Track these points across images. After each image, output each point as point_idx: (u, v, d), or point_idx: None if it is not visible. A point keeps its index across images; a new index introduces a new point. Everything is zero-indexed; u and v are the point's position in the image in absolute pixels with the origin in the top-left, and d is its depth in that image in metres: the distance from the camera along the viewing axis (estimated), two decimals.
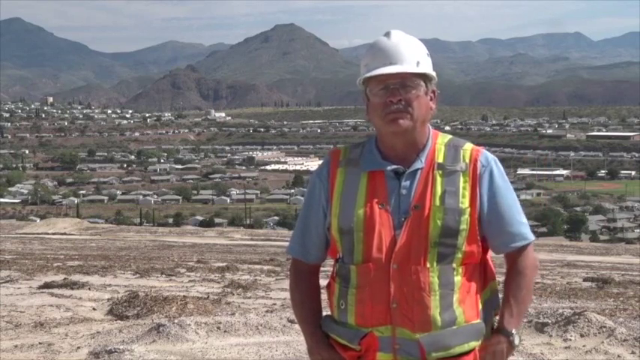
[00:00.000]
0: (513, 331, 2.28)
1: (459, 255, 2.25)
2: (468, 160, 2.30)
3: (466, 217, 2.24)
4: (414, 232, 2.23)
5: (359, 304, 2.28)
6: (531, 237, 2.35)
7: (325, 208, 2.38)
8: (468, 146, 2.34)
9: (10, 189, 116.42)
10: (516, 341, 2.29)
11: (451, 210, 2.23)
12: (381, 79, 2.26)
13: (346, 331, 2.32)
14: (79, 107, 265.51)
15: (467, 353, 2.27)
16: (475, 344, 2.27)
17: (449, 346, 2.23)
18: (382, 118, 2.27)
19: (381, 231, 2.24)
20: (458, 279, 2.25)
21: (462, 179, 2.27)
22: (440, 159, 2.29)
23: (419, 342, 2.22)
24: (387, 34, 2.31)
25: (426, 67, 2.29)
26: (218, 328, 6.49)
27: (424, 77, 2.29)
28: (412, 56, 2.27)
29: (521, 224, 2.33)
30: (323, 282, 2.48)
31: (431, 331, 2.22)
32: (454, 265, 2.25)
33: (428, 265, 2.22)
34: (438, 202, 2.24)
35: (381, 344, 2.26)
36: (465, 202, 2.25)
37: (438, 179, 2.27)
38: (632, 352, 5.75)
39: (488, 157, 2.33)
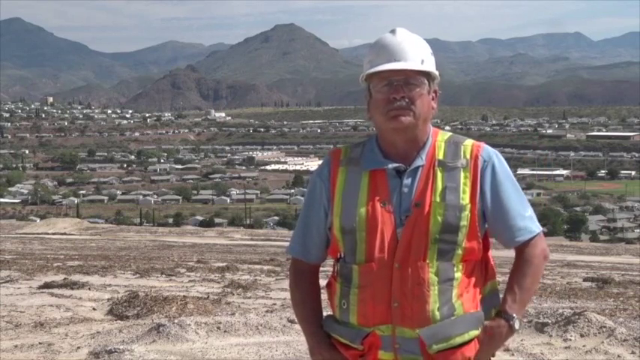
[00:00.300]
0: (514, 315, 2.26)
1: (459, 251, 2.24)
2: (468, 156, 2.29)
3: (466, 213, 2.24)
4: (415, 230, 2.23)
5: (361, 303, 2.27)
6: (537, 229, 2.34)
7: (327, 208, 2.37)
8: (469, 142, 2.33)
9: (10, 189, 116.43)
10: (517, 326, 2.26)
11: (452, 206, 2.23)
12: (384, 75, 2.25)
13: (348, 331, 2.31)
14: (79, 107, 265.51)
15: (467, 343, 2.26)
16: (475, 333, 2.26)
17: (449, 336, 2.22)
18: (384, 114, 2.26)
19: (383, 230, 2.24)
20: (458, 275, 2.25)
21: (462, 175, 2.27)
22: (440, 156, 2.29)
23: (419, 337, 2.21)
24: (392, 32, 2.30)
25: (430, 65, 2.29)
26: (218, 328, 6.49)
27: (427, 76, 2.28)
28: (417, 54, 2.26)
29: (526, 218, 2.32)
30: (322, 282, 2.48)
31: (430, 325, 2.22)
32: (454, 261, 2.24)
33: (428, 261, 2.22)
34: (438, 199, 2.23)
35: (382, 343, 2.26)
36: (465, 198, 2.25)
37: (439, 176, 2.26)
38: (632, 352, 5.75)
39: (489, 151, 2.33)
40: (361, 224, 2.27)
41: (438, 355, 2.23)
